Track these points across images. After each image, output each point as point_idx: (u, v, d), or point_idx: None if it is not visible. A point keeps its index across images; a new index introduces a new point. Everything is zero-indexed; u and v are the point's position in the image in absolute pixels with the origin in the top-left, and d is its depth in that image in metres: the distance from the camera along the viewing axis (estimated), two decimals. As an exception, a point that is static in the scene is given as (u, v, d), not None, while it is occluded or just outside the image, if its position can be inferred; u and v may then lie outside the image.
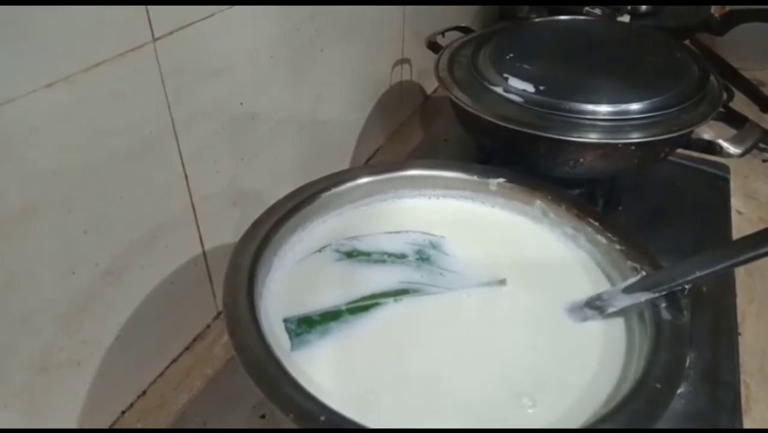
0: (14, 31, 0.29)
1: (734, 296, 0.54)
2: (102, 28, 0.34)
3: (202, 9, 0.40)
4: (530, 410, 0.32)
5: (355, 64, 0.65)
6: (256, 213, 0.40)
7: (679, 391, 0.30)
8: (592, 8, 0.79)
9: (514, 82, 0.53)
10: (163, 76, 0.39)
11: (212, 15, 0.41)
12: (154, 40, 0.37)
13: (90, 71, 0.34)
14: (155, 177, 0.41)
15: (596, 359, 0.35)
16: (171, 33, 0.38)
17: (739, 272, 0.56)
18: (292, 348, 0.34)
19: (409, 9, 0.74)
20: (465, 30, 0.69)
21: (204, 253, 0.48)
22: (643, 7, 0.82)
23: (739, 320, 0.52)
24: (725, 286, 0.55)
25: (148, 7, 0.36)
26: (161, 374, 0.48)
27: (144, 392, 0.46)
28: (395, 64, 0.76)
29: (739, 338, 0.50)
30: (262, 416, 0.43)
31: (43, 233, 0.34)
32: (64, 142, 0.34)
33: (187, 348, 0.50)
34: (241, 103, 0.47)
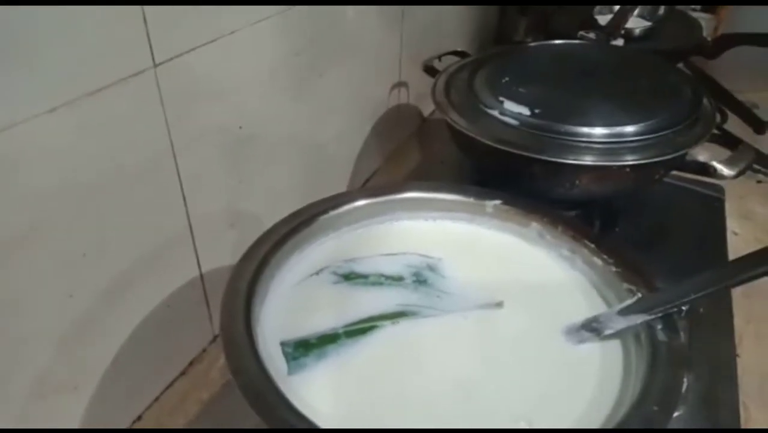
0: (18, 57, 0.30)
1: (732, 317, 0.54)
2: (104, 53, 0.34)
3: (203, 34, 0.41)
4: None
5: (353, 87, 0.66)
6: (253, 235, 0.40)
7: (677, 414, 0.30)
8: (587, 32, 0.80)
9: (510, 105, 0.54)
10: (164, 100, 0.39)
11: (214, 40, 0.42)
12: (155, 65, 0.38)
13: (92, 96, 0.34)
14: (154, 200, 0.41)
15: (593, 382, 0.35)
16: (172, 59, 0.39)
17: (736, 293, 0.56)
18: (289, 372, 0.34)
19: (407, 34, 0.75)
20: (461, 54, 0.71)
21: (201, 275, 0.48)
22: (637, 31, 0.84)
23: (737, 341, 0.52)
24: (723, 307, 0.55)
25: (149, 32, 0.37)
26: (157, 399, 0.47)
27: (139, 417, 0.46)
28: (393, 88, 0.77)
29: (738, 359, 0.50)
30: (259, 441, 0.43)
31: (42, 256, 0.34)
32: (66, 166, 0.34)
33: (182, 372, 0.50)
34: (240, 127, 0.48)
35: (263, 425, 0.28)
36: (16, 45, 0.30)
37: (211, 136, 0.45)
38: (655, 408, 0.29)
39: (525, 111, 0.53)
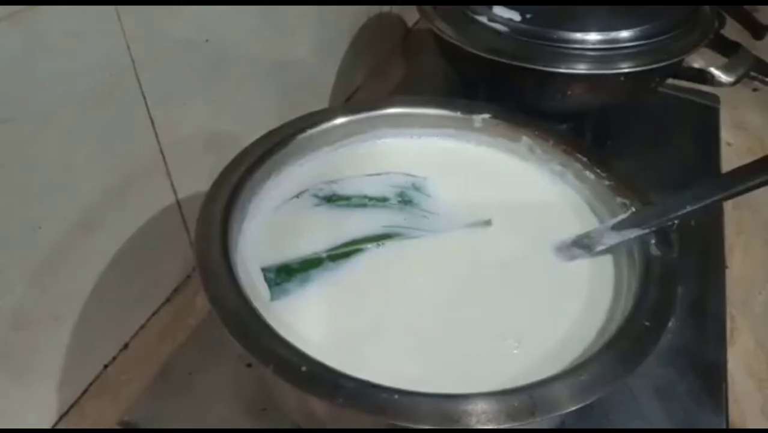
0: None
1: (722, 228, 0.54)
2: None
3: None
4: (516, 351, 0.32)
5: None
6: (230, 158, 0.38)
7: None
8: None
9: (499, 11, 0.50)
10: (120, 12, 0.36)
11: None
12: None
13: (36, 9, 0.31)
14: (119, 123, 0.39)
15: (584, 298, 0.34)
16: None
17: (728, 205, 0.56)
18: (272, 298, 0.33)
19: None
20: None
21: (178, 201, 0.46)
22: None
23: (726, 252, 0.52)
24: (713, 219, 0.54)
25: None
26: (143, 326, 0.47)
27: (126, 345, 0.46)
28: (374, -5, 0.72)
29: (727, 270, 0.50)
30: (249, 365, 0.43)
31: (3, 187, 0.32)
32: (14, 87, 0.31)
33: (168, 299, 0.49)
34: (207, 41, 0.44)
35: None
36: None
37: (176, 52, 0.42)
38: (647, 323, 0.29)
39: (515, 16, 0.50)
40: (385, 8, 0.76)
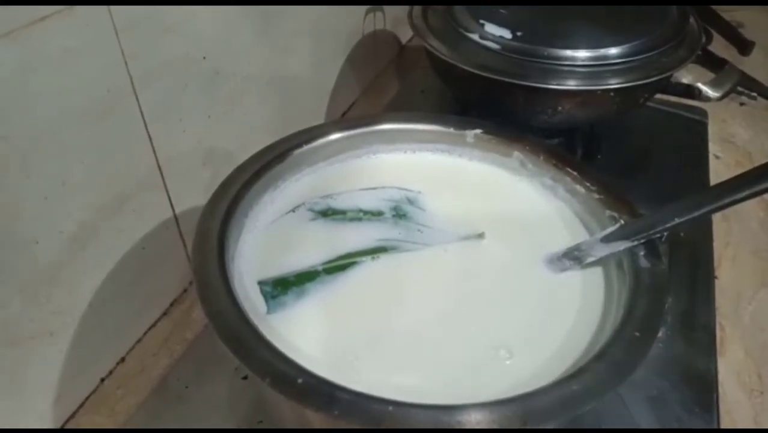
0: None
1: (711, 240, 0.54)
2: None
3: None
4: (508, 362, 0.32)
5: (324, 12, 0.62)
6: (227, 173, 0.38)
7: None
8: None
9: (491, 29, 0.51)
10: (118, 30, 0.36)
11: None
12: (105, -10, 0.35)
13: (34, 26, 0.31)
14: (117, 138, 0.39)
15: (575, 309, 0.35)
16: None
17: (716, 216, 0.57)
18: (269, 311, 0.34)
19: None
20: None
21: (175, 216, 0.47)
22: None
23: (715, 263, 0.53)
24: (702, 230, 0.55)
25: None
26: (139, 340, 0.47)
27: (123, 359, 0.46)
28: (368, 13, 0.73)
29: (716, 281, 0.51)
30: (245, 378, 0.43)
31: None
32: (11, 104, 0.32)
33: (164, 313, 0.49)
34: (204, 58, 0.45)
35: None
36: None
37: (173, 69, 0.42)
38: (637, 334, 0.29)
39: (506, 34, 0.51)
40: (379, 26, 0.77)
